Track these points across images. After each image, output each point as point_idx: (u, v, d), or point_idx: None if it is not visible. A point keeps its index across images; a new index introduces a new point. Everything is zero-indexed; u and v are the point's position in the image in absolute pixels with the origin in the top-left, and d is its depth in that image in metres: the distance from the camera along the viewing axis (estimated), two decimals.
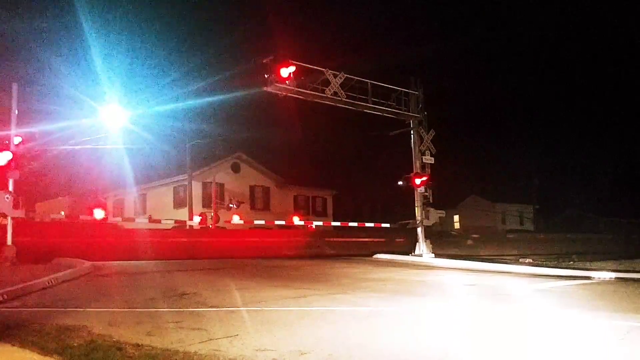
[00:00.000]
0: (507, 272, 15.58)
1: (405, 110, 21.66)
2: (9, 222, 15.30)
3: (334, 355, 4.93)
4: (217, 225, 27.86)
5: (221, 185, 34.26)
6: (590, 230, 47.38)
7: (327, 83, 19.02)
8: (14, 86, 16.10)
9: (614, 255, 25.37)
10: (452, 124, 55.23)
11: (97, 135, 19.18)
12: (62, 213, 31.85)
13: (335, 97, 19.32)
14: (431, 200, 21.83)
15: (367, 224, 25.53)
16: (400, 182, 21.50)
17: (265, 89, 18.14)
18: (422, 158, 21.79)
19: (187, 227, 26.58)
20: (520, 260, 20.52)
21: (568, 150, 75.55)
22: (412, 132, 22.16)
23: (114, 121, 19.25)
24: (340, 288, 10.42)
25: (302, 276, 13.29)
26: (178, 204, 34.46)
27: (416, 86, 22.09)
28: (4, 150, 15.20)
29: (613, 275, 13.69)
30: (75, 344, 5.22)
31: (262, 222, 27.08)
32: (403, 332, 6.22)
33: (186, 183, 32.00)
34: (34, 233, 17.35)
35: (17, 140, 15.76)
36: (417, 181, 21.34)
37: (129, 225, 24.33)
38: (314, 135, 45.45)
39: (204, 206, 32.20)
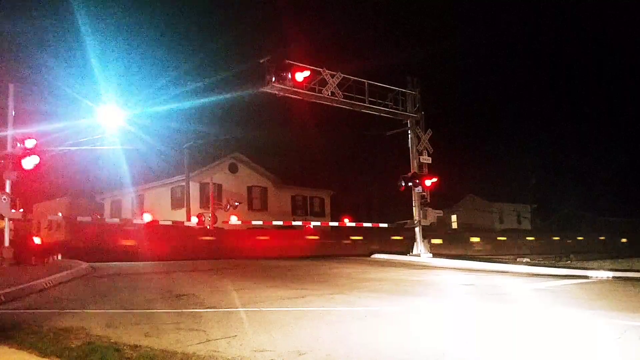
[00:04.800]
0: (505, 272, 15.62)
1: (402, 110, 21.69)
2: (6, 223, 15.27)
3: (332, 355, 4.94)
4: (214, 225, 27.80)
5: (219, 186, 34.19)
6: (587, 229, 47.49)
7: (324, 83, 19.05)
8: (11, 86, 16.06)
9: (611, 254, 25.51)
10: (449, 124, 55.42)
11: (94, 135, 19.14)
12: (60, 214, 31.79)
13: (332, 97, 19.35)
14: (429, 200, 21.86)
15: (365, 224, 25.54)
16: (402, 183, 21.25)
17: (262, 89, 18.17)
18: (419, 158, 21.82)
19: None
20: (518, 259, 20.61)
21: (565, 150, 75.67)
22: (409, 132, 22.20)
23: (111, 122, 19.21)
24: (338, 288, 10.43)
25: (300, 276, 13.29)
26: (176, 204, 34.38)
27: (413, 86, 22.13)
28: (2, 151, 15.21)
29: (610, 274, 13.73)
30: (74, 346, 5.22)
31: (260, 222, 27.05)
32: (401, 331, 6.23)
33: (184, 184, 31.92)
34: None
35: (8, 136, 15.72)
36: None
37: None
38: (311, 136, 45.38)
39: (201, 207, 32.13)
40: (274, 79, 17.76)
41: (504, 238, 34.87)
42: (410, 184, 21.30)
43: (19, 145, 15.54)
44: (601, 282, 12.93)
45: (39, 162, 15.71)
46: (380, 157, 42.70)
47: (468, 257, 21.32)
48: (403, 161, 22.49)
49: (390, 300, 9.16)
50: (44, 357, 4.93)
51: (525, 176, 54.31)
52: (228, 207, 30.77)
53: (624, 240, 41.92)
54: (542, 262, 20.23)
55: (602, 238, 41.02)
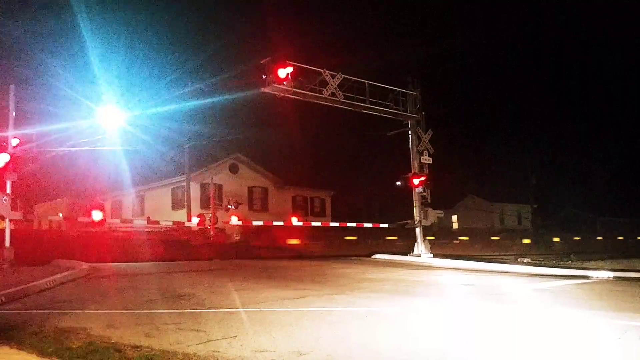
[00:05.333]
0: (505, 272, 15.61)
1: (403, 111, 21.67)
2: (7, 224, 15.27)
3: (333, 355, 4.95)
4: (215, 226, 27.80)
5: (219, 187, 34.19)
6: (587, 229, 47.61)
7: (324, 84, 19.03)
8: (12, 87, 16.06)
9: (612, 254, 25.49)
10: (450, 124, 55.38)
11: (94, 136, 19.12)
12: (60, 215, 31.82)
13: (332, 98, 19.33)
14: (429, 201, 21.84)
15: (366, 224, 25.52)
16: (398, 183, 21.50)
17: (263, 90, 18.14)
18: (420, 158, 21.80)
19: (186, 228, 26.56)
20: (519, 259, 20.58)
21: (566, 150, 75.76)
22: (409, 133, 22.19)
23: (111, 122, 19.19)
24: (338, 288, 10.43)
25: (301, 277, 13.29)
26: (176, 205, 34.41)
27: (414, 86, 22.10)
28: (2, 152, 15.17)
29: (611, 274, 13.71)
30: (74, 346, 5.22)
31: (261, 223, 27.05)
32: (401, 332, 6.23)
33: (184, 184, 31.95)
34: None
35: (14, 142, 15.73)
36: (415, 181, 21.35)
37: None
38: (311, 136, 45.43)
39: (202, 207, 32.13)
40: (274, 79, 17.74)
41: (579, 238, 39.90)
42: (410, 184, 21.35)
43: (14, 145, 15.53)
44: (602, 282, 12.93)
45: (40, 163, 15.71)
46: (380, 157, 42.72)
47: (469, 258, 21.28)
48: (404, 162, 22.49)
49: (390, 301, 9.16)
50: (44, 357, 4.93)
51: (525, 176, 54.29)
52: (229, 207, 30.76)
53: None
54: (542, 262, 20.20)
55: (620, 238, 42.06)
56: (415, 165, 21.83)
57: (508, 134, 71.19)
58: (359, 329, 6.33)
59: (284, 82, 17.83)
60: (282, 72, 17.64)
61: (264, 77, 17.82)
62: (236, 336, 5.67)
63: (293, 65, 17.96)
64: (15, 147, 15.68)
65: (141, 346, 5.17)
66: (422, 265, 18.54)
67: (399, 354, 5.13)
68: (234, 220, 28.25)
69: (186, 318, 6.88)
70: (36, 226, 33.44)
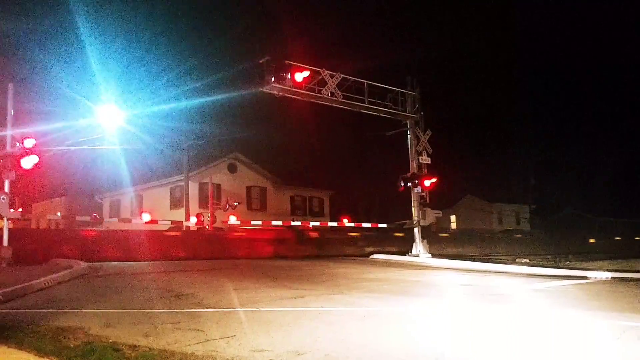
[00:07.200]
0: (504, 272, 15.63)
1: (401, 111, 21.69)
2: (5, 223, 15.24)
3: (331, 355, 4.94)
4: (213, 226, 27.79)
5: (218, 186, 34.17)
6: (586, 230, 47.56)
7: (323, 83, 19.04)
8: (10, 86, 16.02)
9: (610, 255, 25.53)
10: (448, 124, 55.29)
11: (93, 135, 19.12)
12: (59, 214, 31.83)
13: (331, 98, 19.34)
14: (428, 201, 21.85)
15: (364, 224, 25.53)
16: (402, 183, 21.19)
17: (262, 89, 18.15)
18: (418, 158, 21.81)
19: (184, 227, 26.54)
20: (517, 260, 20.62)
21: (565, 151, 75.83)
22: (408, 133, 22.21)
23: (110, 121, 19.19)
24: (337, 288, 10.42)
25: (299, 277, 13.28)
26: (175, 204, 34.38)
27: (412, 86, 22.12)
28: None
29: (609, 275, 13.75)
30: (72, 345, 5.21)
31: (259, 222, 27.02)
32: (400, 332, 6.22)
33: (183, 184, 31.92)
34: None
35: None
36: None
37: None
38: (310, 136, 45.34)
39: (200, 207, 32.13)
40: (273, 79, 17.74)
41: (594, 240, 40.44)
42: (409, 184, 21.28)
43: (17, 144, 15.51)
44: (600, 282, 12.94)
45: (38, 162, 15.68)
46: (379, 157, 42.72)
47: (467, 258, 21.31)
48: (402, 161, 22.51)
49: (389, 301, 9.16)
50: (42, 356, 4.92)
51: (524, 177, 54.44)
52: (227, 207, 30.75)
53: None
54: (541, 262, 20.24)
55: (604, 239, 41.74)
56: (413, 166, 21.84)
57: (508, 134, 71.16)
58: (357, 329, 6.33)
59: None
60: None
61: (263, 76, 17.82)
62: (234, 336, 5.66)
63: (292, 65, 17.99)
64: (14, 145, 15.62)
65: (139, 345, 5.16)
66: (420, 266, 18.56)
67: (397, 354, 5.13)
68: (233, 219, 28.25)
69: (184, 317, 6.87)
70: (34, 225, 33.42)
